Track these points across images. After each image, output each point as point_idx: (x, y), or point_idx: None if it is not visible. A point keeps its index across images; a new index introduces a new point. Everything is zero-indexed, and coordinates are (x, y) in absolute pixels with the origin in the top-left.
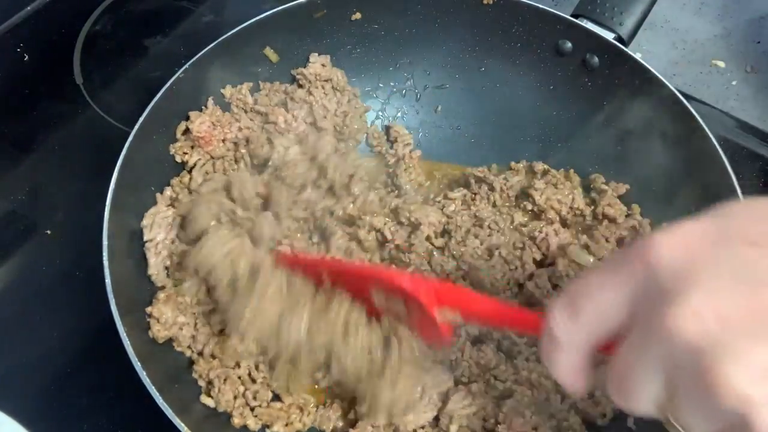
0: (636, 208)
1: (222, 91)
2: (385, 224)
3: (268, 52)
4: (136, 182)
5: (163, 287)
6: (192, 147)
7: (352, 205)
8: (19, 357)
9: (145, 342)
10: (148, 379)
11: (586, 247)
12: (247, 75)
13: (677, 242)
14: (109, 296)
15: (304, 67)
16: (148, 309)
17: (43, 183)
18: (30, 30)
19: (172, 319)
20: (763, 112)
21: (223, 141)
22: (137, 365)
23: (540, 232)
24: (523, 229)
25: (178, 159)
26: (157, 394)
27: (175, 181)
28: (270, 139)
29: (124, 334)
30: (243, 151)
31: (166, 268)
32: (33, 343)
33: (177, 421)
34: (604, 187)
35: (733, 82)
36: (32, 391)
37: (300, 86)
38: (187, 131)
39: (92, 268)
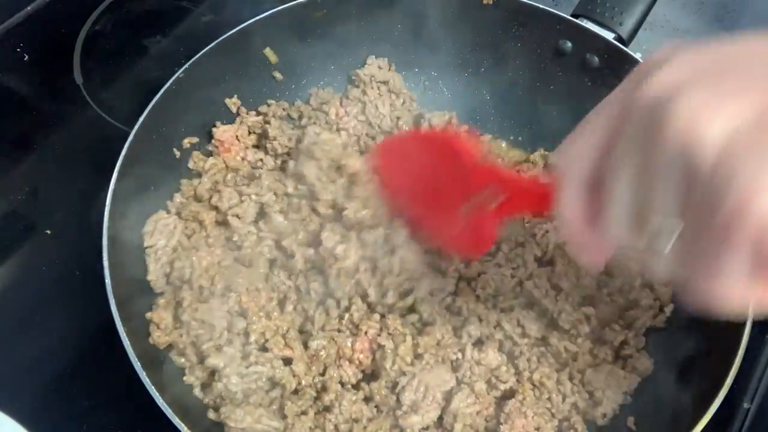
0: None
1: (227, 101)
2: None
3: (268, 52)
4: (136, 182)
5: (161, 293)
6: (208, 154)
7: None
8: (19, 357)
9: (145, 342)
10: (148, 380)
11: None
12: (247, 76)
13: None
14: (109, 296)
15: (361, 67)
16: (148, 314)
17: (43, 183)
18: (30, 30)
19: (172, 324)
20: None
21: (243, 159)
22: (137, 365)
23: (540, 228)
24: (526, 225)
25: (191, 165)
26: (158, 394)
27: (184, 182)
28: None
29: (124, 334)
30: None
31: (166, 275)
32: (33, 343)
33: (177, 421)
34: None
35: None
36: (32, 391)
37: (356, 86)
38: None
39: (92, 269)
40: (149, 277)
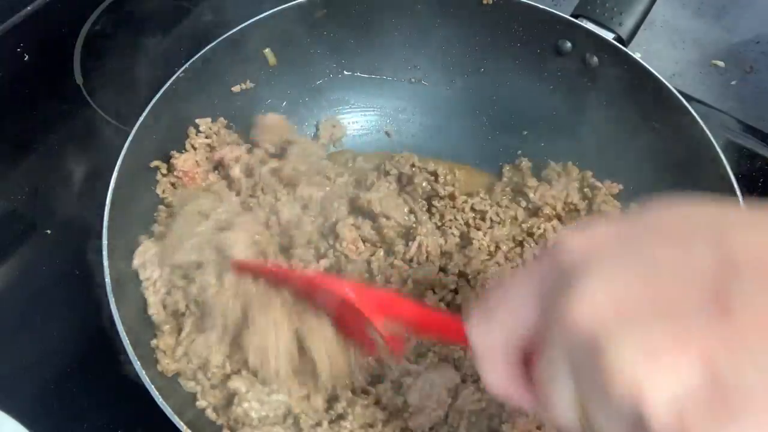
0: (635, 207)
1: (198, 121)
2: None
3: (268, 53)
4: (137, 182)
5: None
6: (173, 185)
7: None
8: (19, 357)
9: (145, 342)
10: (147, 379)
11: None
12: (245, 76)
13: (586, 237)
14: (109, 296)
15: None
16: (153, 342)
17: (43, 183)
18: (30, 30)
19: (181, 350)
20: (762, 112)
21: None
22: (137, 365)
23: (538, 228)
24: (523, 225)
25: (159, 192)
26: (157, 394)
27: (161, 217)
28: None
29: (124, 334)
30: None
31: (165, 305)
32: (33, 343)
33: (177, 421)
34: (598, 183)
35: (733, 82)
36: (32, 391)
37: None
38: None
39: (92, 269)
40: (150, 311)
